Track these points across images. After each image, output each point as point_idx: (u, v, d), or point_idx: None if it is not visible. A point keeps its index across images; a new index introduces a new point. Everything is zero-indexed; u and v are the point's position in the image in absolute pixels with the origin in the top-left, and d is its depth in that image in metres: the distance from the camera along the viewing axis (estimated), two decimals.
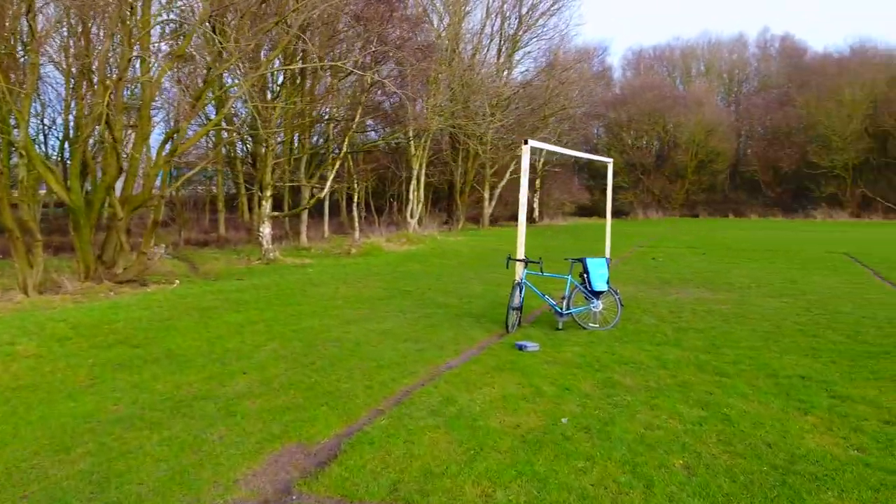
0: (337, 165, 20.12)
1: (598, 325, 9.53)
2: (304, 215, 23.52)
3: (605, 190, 44.03)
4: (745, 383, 6.77)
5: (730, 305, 11.25)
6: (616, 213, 45.46)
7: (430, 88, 21.77)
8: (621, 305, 9.69)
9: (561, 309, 9.54)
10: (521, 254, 9.81)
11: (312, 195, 20.03)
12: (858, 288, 13.21)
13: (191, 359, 7.80)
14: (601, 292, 9.61)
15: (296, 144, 24.77)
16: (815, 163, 43.28)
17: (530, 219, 38.67)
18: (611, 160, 15.62)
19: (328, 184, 19.20)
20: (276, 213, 20.27)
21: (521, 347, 8.25)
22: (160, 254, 16.86)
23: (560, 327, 9.51)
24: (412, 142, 24.44)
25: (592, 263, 9.67)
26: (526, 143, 9.75)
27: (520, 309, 9.66)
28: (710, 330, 9.35)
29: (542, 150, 37.03)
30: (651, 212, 44.77)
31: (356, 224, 23.92)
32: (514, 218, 39.83)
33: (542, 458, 4.95)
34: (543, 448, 5.14)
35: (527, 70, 33.26)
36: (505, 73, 31.10)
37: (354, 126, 19.77)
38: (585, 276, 9.64)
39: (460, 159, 30.53)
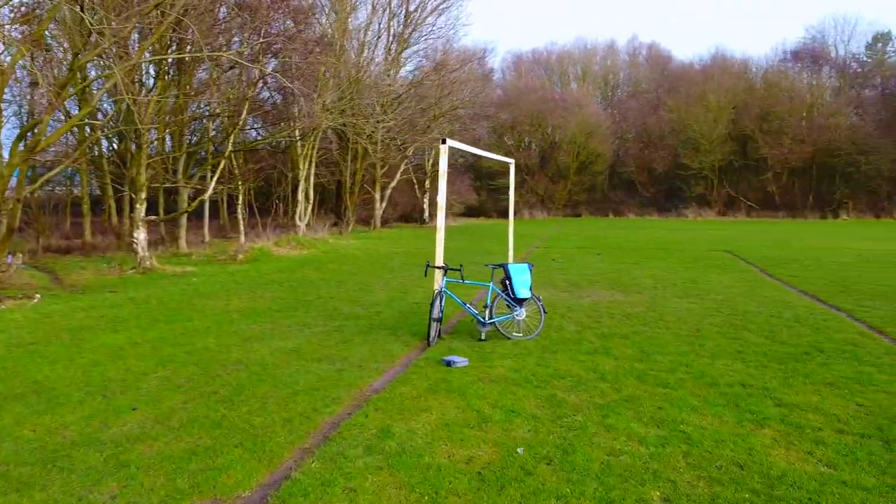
0: (222, 165, 18.60)
1: (521, 335, 9.07)
2: (183, 219, 21.72)
3: (491, 190, 43.85)
4: (690, 395, 6.49)
5: (643, 308, 11.18)
6: (502, 214, 45.98)
7: (320, 85, 20.67)
8: (544, 312, 9.29)
9: (483, 319, 9.00)
10: (439, 260, 9.18)
11: (193, 197, 18.41)
12: (754, 286, 13.64)
13: (64, 393, 6.55)
14: (524, 299, 9.17)
15: (169, 143, 22.87)
16: (686, 164, 45.87)
17: (420, 220, 38.20)
18: (512, 161, 15.41)
19: (212, 184, 17.69)
20: (152, 217, 18.49)
21: (448, 363, 7.61)
22: (16, 264, 14.83)
23: (483, 338, 8.96)
24: (300, 141, 23.15)
25: (514, 270, 9.21)
26: (444, 142, 9.14)
27: (440, 320, 9.03)
28: (634, 335, 9.13)
29: (430, 150, 36.67)
30: (536, 212, 45.63)
31: (241, 227, 22.39)
32: (404, 219, 39.22)
33: (507, 501, 4.34)
34: (506, 487, 4.53)
35: (416, 69, 32.76)
36: (393, 71, 30.39)
37: (241, 123, 18.35)
38: (508, 283, 9.16)
39: (349, 159, 29.50)
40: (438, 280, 9.12)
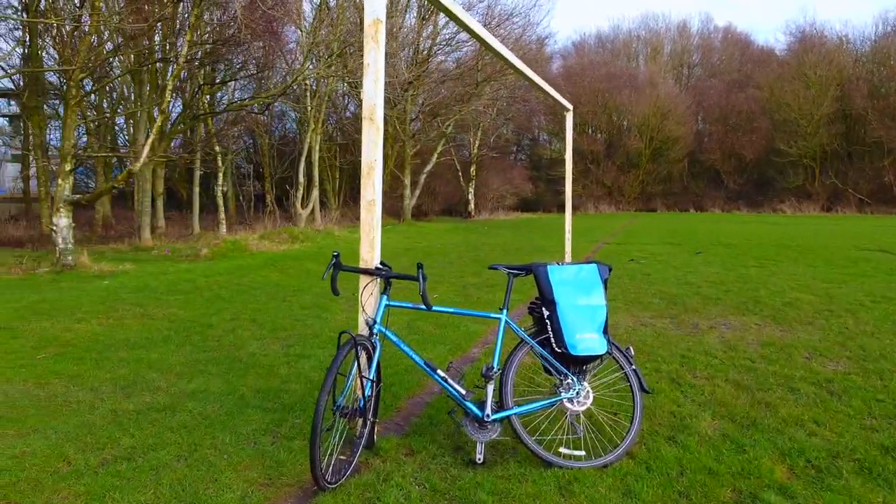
0: (158, 122, 13.46)
1: (581, 453, 3.44)
2: (146, 205, 16.80)
3: (550, 181, 36.78)
4: None
5: (851, 363, 5.29)
6: (562, 208, 39.86)
7: (313, 26, 15.31)
8: (642, 391, 3.61)
9: (481, 409, 3.41)
10: (371, 257, 3.65)
11: (129, 172, 13.40)
12: None
13: None
14: (591, 358, 3.53)
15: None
16: (782, 150, 38.63)
17: (465, 213, 32.58)
18: (571, 107, 9.91)
19: (144, 151, 12.62)
20: (77, 197, 13.65)
21: None
22: None
23: (479, 458, 3.39)
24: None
25: (564, 281, 3.57)
26: None
27: (362, 413, 3.46)
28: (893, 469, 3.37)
29: (475, 129, 30.74)
30: (603, 205, 39.24)
31: (222, 215, 17.36)
32: (448, 212, 33.66)
33: None
34: None
35: (457, 31, 26.96)
36: (430, 29, 24.74)
37: (201, 63, 13.20)
38: (549, 313, 3.53)
39: None
40: (369, 304, 3.62)
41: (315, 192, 19.90)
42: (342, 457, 3.36)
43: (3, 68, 13.36)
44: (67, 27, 13.47)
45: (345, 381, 3.30)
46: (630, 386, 3.60)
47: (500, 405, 3.49)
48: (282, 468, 3.39)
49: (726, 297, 8.26)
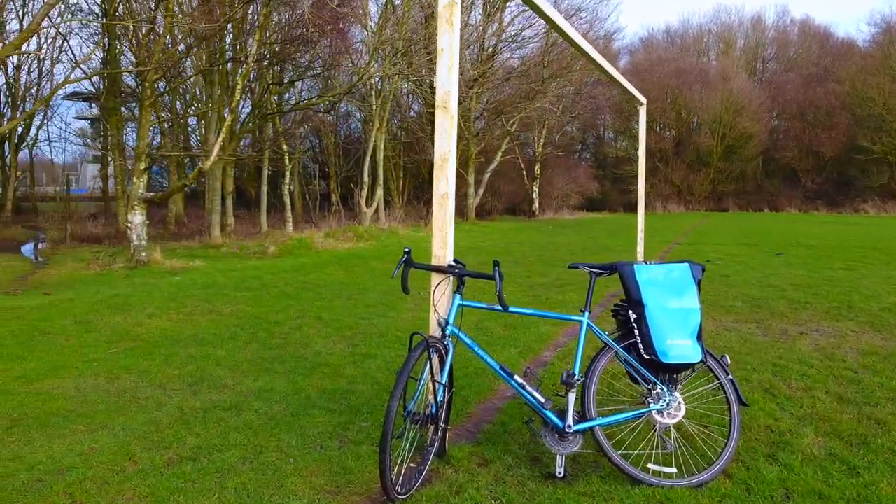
0: (228, 121, 13.65)
1: (672, 469, 3.15)
2: (216, 203, 17.14)
3: (616, 180, 35.90)
4: None
5: None
6: (629, 208, 38.75)
7: (379, 25, 15.28)
8: (740, 403, 3.29)
9: (564, 418, 3.17)
10: (444, 254, 3.47)
11: (200, 170, 13.66)
12: None
13: None
14: (682, 367, 3.23)
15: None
16: (865, 147, 36.56)
17: (529, 212, 32.16)
18: (644, 101, 9.54)
19: (215, 149, 12.82)
20: (151, 195, 13.99)
21: None
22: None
23: (560, 472, 3.15)
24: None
25: (649, 278, 3.28)
26: None
27: (434, 419, 3.26)
28: None
29: (539, 126, 30.21)
30: (672, 205, 38.02)
31: (288, 213, 17.54)
32: (511, 211, 33.30)
33: None
34: None
35: (523, 28, 26.64)
36: (495, 26, 24.45)
37: (268, 65, 13.32)
38: (636, 317, 3.25)
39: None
40: (441, 303, 3.44)
41: (379, 191, 19.94)
42: (412, 465, 3.17)
43: (83, 71, 13.90)
44: (143, 29, 13.85)
45: (416, 386, 3.12)
46: (726, 397, 3.28)
47: (581, 415, 3.24)
48: (349, 475, 3.23)
49: (815, 300, 7.72)
